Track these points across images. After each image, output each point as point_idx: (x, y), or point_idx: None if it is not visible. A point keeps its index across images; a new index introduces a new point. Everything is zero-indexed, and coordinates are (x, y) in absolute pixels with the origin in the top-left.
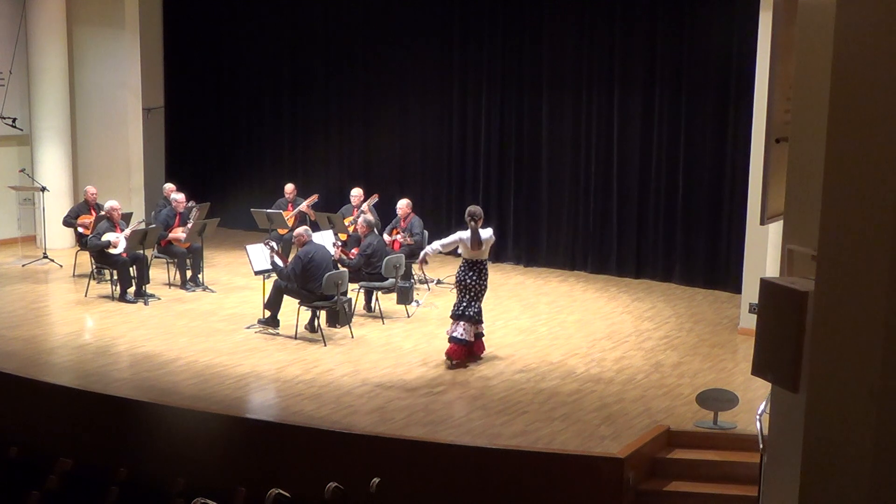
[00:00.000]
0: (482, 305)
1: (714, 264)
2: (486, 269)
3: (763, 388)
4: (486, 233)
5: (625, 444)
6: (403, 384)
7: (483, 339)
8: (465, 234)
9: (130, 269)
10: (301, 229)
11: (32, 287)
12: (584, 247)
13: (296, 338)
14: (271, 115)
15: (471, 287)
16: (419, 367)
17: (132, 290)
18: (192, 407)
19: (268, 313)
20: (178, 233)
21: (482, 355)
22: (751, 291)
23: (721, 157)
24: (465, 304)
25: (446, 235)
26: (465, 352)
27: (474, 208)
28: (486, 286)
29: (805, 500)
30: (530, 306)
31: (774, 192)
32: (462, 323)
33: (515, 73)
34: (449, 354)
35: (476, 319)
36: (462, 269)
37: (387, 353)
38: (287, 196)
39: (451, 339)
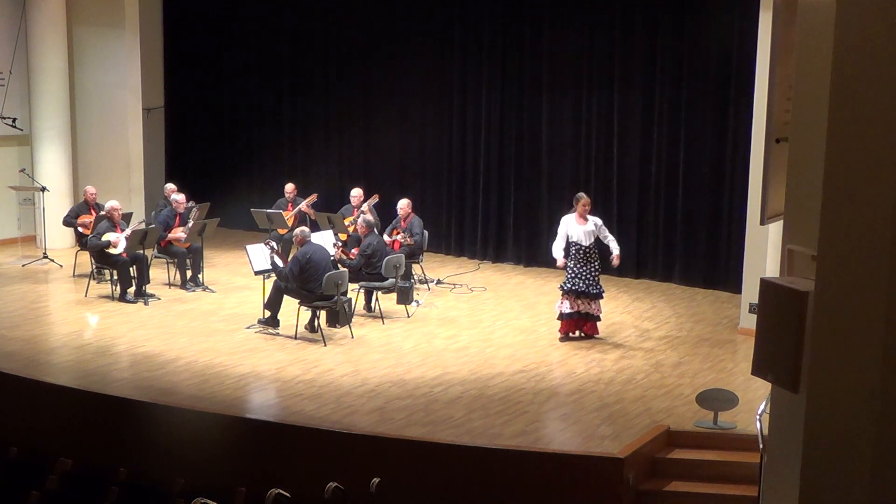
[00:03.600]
0: (598, 288)
1: (714, 264)
2: (589, 253)
3: (763, 388)
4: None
5: (625, 444)
6: (403, 384)
7: (596, 322)
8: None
9: (130, 269)
10: (300, 229)
11: (32, 287)
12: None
13: (296, 338)
14: (271, 115)
15: (573, 263)
16: (419, 367)
17: (132, 290)
18: (192, 407)
19: (268, 313)
20: (178, 233)
21: (592, 334)
22: (751, 291)
23: (721, 157)
24: (566, 279)
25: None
26: (570, 325)
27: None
28: (585, 268)
29: (805, 500)
30: (530, 306)
31: (774, 192)
32: (561, 297)
33: (515, 74)
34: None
35: (577, 293)
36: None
37: (387, 353)
38: (287, 196)
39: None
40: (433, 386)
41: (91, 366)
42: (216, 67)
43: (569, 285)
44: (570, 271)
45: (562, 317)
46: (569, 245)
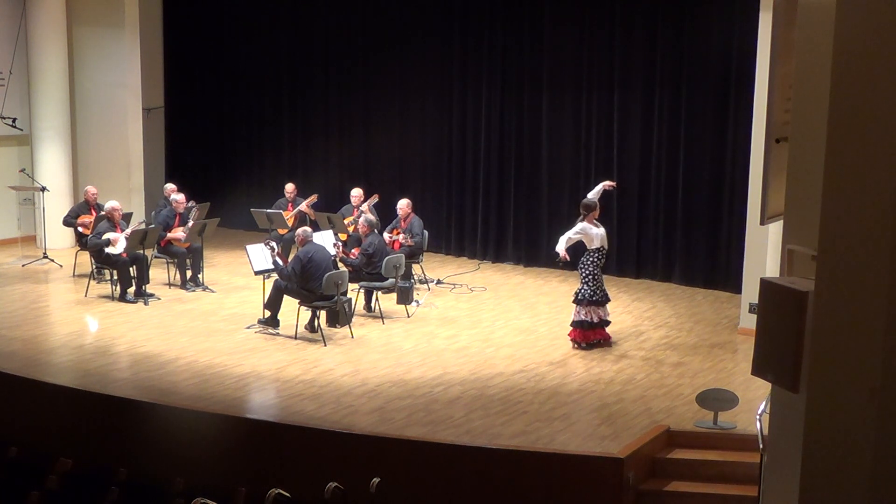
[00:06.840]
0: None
1: (714, 264)
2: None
3: (763, 388)
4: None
5: (625, 444)
6: (403, 384)
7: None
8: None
9: (130, 269)
10: (302, 229)
11: (32, 287)
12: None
13: (296, 338)
14: (271, 115)
15: (594, 269)
16: (419, 367)
17: (132, 290)
18: (192, 407)
19: (268, 313)
20: (178, 233)
21: (611, 341)
22: (751, 291)
23: (721, 157)
24: (589, 289)
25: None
26: (588, 334)
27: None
28: (600, 275)
29: (805, 500)
30: (530, 306)
31: (774, 192)
32: (579, 307)
33: (515, 73)
34: (571, 338)
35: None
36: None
37: (387, 353)
38: (287, 196)
39: (572, 324)
40: (433, 386)
41: (91, 366)
42: (216, 67)
43: (597, 296)
44: (594, 280)
45: (583, 325)
46: (589, 252)
